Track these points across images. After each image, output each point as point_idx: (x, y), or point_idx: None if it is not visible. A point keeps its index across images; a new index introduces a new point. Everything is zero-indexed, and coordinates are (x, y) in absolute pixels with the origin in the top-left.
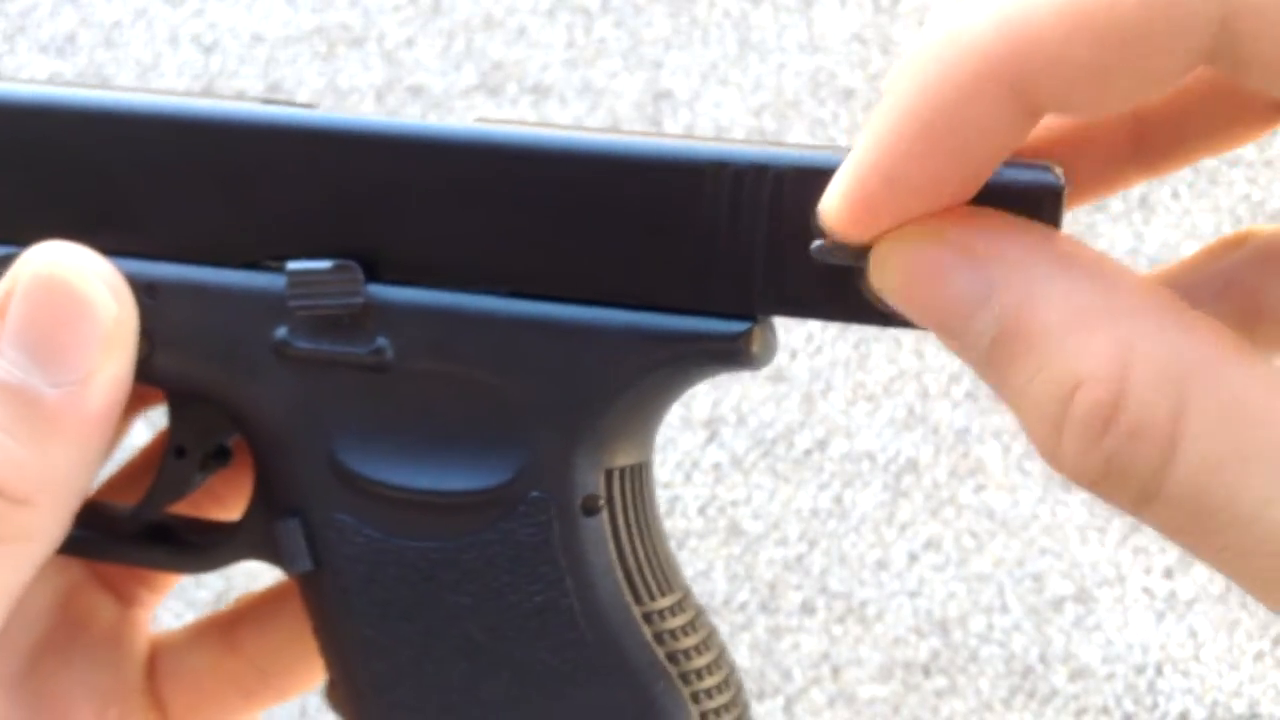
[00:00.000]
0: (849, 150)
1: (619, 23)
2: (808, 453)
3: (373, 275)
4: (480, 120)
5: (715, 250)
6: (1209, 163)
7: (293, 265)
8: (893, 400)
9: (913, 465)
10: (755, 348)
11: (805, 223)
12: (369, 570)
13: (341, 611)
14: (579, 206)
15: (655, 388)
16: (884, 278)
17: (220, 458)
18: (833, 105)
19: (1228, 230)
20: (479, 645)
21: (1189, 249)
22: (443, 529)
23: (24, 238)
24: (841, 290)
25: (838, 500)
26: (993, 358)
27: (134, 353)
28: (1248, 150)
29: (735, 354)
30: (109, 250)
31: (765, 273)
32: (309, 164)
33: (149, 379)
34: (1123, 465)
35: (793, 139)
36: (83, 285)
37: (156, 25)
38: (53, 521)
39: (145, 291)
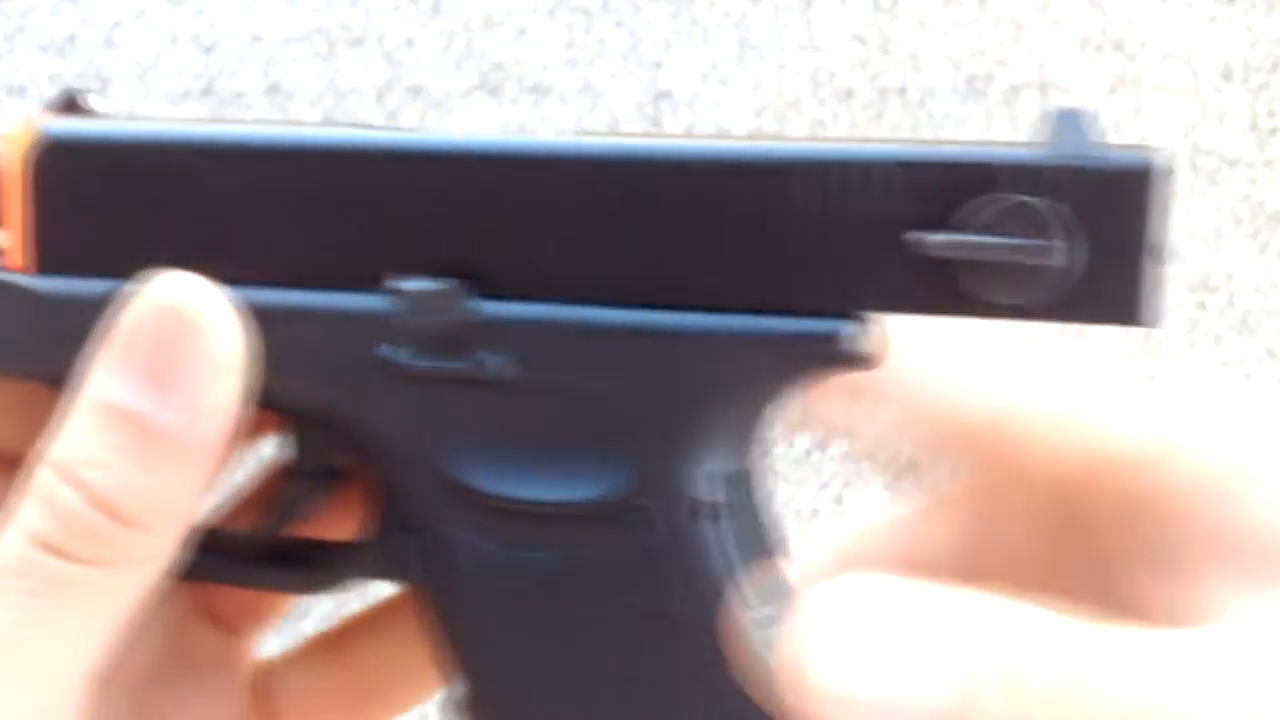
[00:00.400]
0: (940, 144)
1: (619, 23)
2: (808, 453)
3: (479, 291)
4: (582, 133)
5: (807, 249)
6: (1209, 162)
7: (403, 285)
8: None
9: (913, 465)
10: (860, 347)
11: (899, 217)
12: (490, 583)
13: (466, 626)
14: (670, 212)
15: (760, 392)
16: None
17: (335, 478)
18: (833, 105)
19: (1228, 230)
20: (597, 655)
21: (1189, 248)
22: (558, 540)
23: (133, 272)
24: (941, 284)
25: (838, 500)
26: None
27: (246, 381)
28: (1248, 150)
29: (838, 354)
30: (216, 278)
31: (860, 270)
32: (412, 184)
33: (262, 404)
34: None
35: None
36: (199, 313)
37: (156, 25)
38: (162, 546)
39: (257, 313)
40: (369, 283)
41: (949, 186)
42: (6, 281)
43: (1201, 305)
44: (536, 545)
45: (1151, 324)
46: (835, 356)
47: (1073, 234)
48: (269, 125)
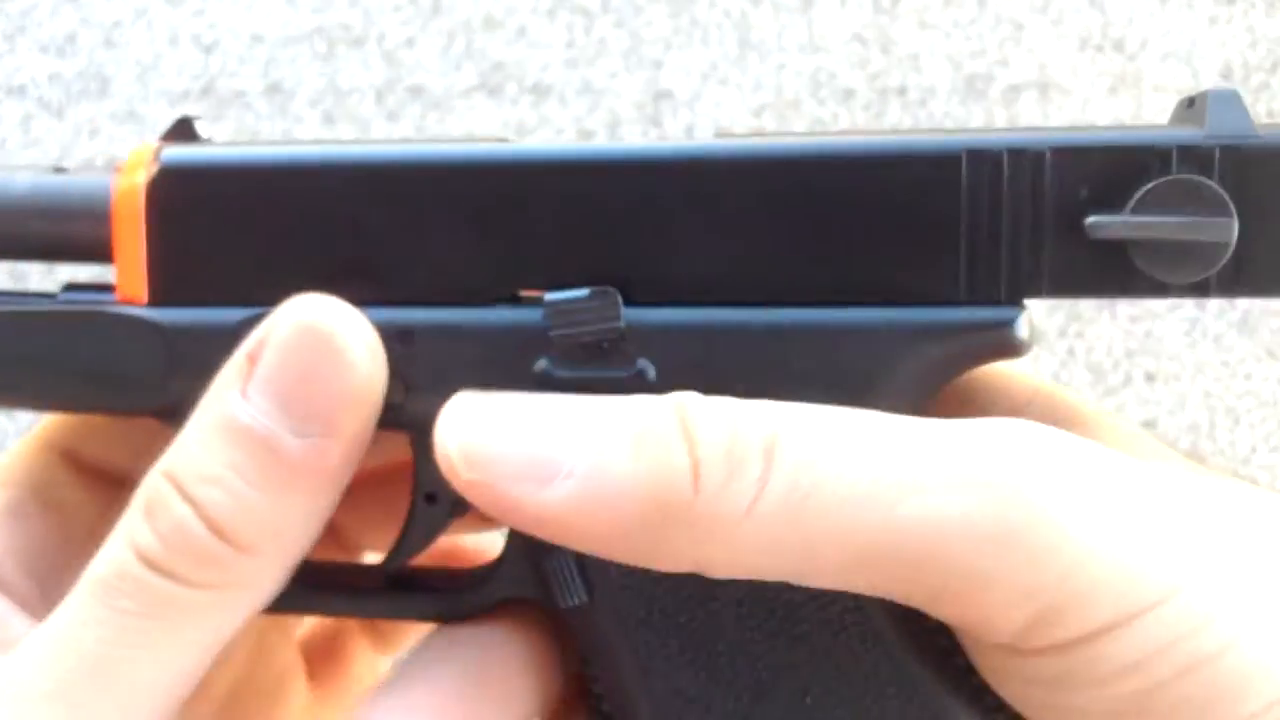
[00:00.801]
0: (1097, 129)
1: (619, 23)
2: None
3: (628, 298)
4: (721, 134)
5: (975, 239)
6: None
7: (551, 296)
8: None
9: None
10: (1026, 334)
11: (1070, 202)
12: (644, 599)
13: (617, 643)
14: (829, 209)
15: (922, 385)
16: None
17: (458, 510)
18: (833, 105)
19: None
20: (756, 667)
21: None
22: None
23: (276, 297)
24: (1113, 265)
25: None
26: None
27: (378, 410)
28: None
29: (1007, 342)
30: (361, 301)
31: (1031, 256)
32: (555, 195)
33: (399, 425)
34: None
35: None
36: (339, 338)
37: (156, 25)
38: (273, 572)
39: (399, 339)
40: (516, 297)
41: (1123, 170)
42: (127, 316)
43: (1201, 305)
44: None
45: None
46: (1006, 345)
47: (1240, 210)
48: (385, 143)
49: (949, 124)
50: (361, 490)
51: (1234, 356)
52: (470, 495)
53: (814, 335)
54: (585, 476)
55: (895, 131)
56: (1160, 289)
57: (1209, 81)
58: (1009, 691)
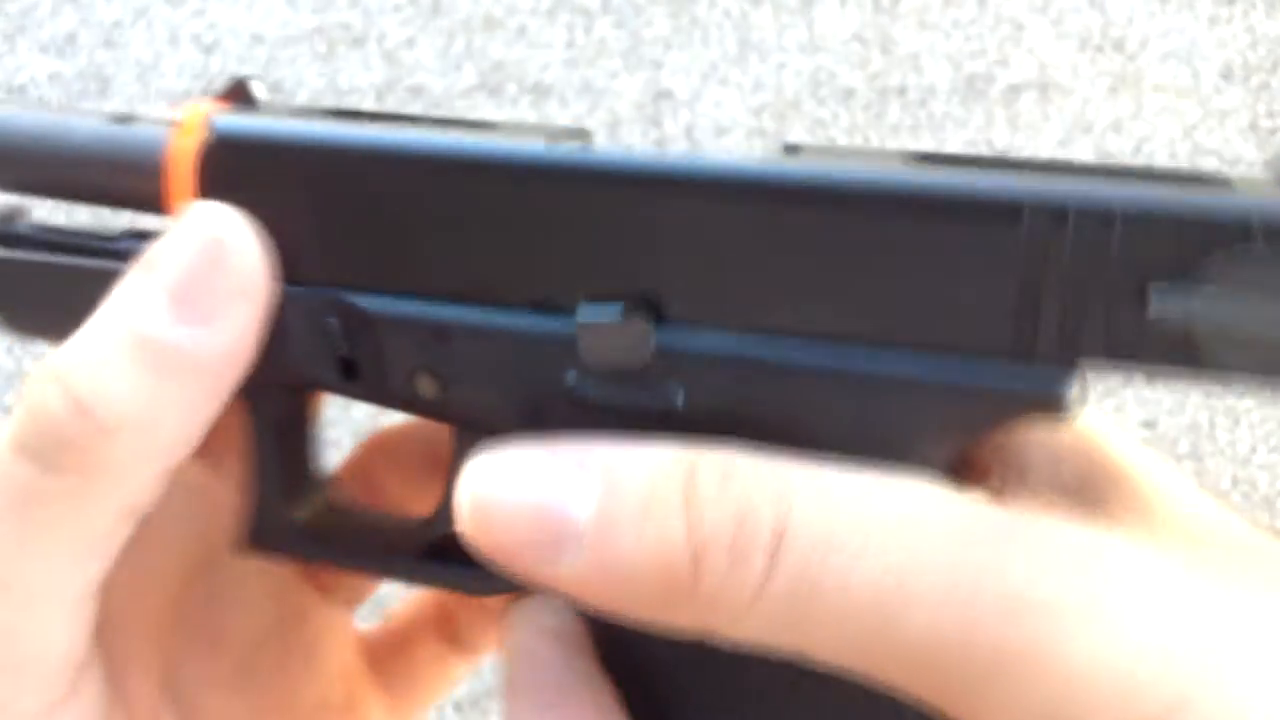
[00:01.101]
0: (1179, 182)
1: (619, 23)
2: None
3: (662, 316)
4: (788, 150)
5: (1034, 294)
6: (1209, 162)
7: (583, 317)
8: None
9: None
10: (1074, 399)
11: (1139, 267)
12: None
13: (644, 634)
14: (883, 247)
15: (961, 438)
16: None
17: None
18: (833, 105)
19: None
20: (787, 668)
21: None
22: None
23: (319, 275)
24: (1177, 339)
25: None
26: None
27: (260, 310)
28: (1248, 150)
29: (1055, 404)
30: (399, 290)
31: (1094, 319)
32: (599, 205)
33: (438, 416)
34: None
35: (793, 139)
36: (223, 236)
37: (156, 25)
38: (137, 463)
39: (435, 336)
40: (560, 306)
41: (1198, 239)
42: None
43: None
44: None
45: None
46: (1057, 407)
47: None
48: (448, 128)
49: (949, 124)
50: (405, 451)
51: None
52: (484, 557)
53: (851, 379)
54: (594, 549)
55: (977, 164)
56: (1224, 372)
57: (1209, 82)
58: None
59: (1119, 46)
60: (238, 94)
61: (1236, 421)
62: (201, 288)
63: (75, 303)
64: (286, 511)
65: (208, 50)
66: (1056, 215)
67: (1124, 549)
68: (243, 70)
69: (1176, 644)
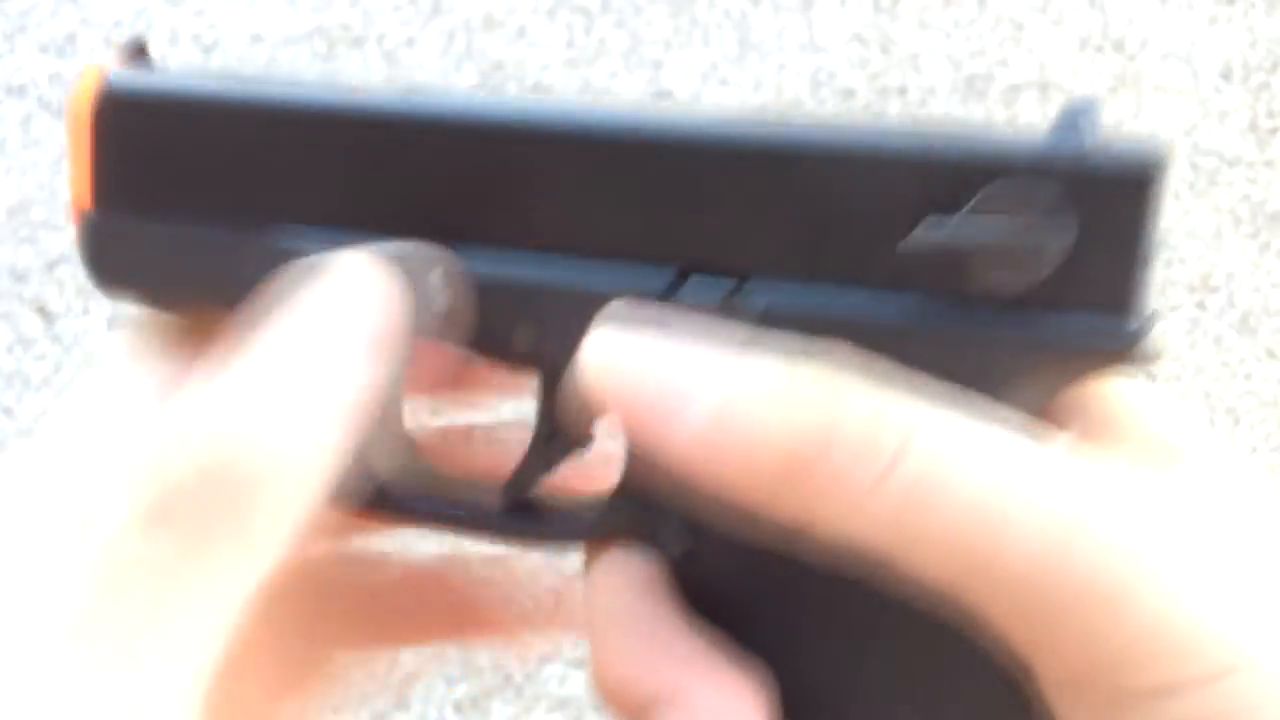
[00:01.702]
0: (949, 131)
1: (619, 23)
2: None
3: (755, 275)
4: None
5: (827, 230)
6: (1209, 162)
7: (686, 296)
8: None
9: None
10: (1155, 349)
11: (914, 203)
12: (745, 555)
13: (716, 594)
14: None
15: (1047, 392)
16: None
17: (584, 442)
18: (833, 105)
19: (1228, 230)
20: (859, 627)
21: (1189, 250)
22: None
23: (415, 232)
24: (948, 267)
25: None
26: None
27: (397, 351)
28: (1248, 150)
29: (1137, 356)
30: (495, 243)
31: (878, 251)
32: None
33: (528, 365)
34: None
35: None
36: (360, 285)
37: (156, 25)
38: (282, 522)
39: (533, 285)
40: (656, 260)
41: (962, 174)
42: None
43: (1201, 305)
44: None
45: (1141, 317)
46: (1132, 358)
47: (1077, 223)
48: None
49: (945, 120)
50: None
51: (1234, 356)
52: (607, 419)
53: (939, 332)
54: (716, 418)
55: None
56: (990, 295)
57: (1209, 81)
58: None
59: (1119, 46)
60: (136, 52)
61: (1237, 421)
62: (358, 334)
63: (206, 271)
64: (371, 468)
65: (208, 50)
66: (842, 159)
67: (1199, 503)
68: (243, 70)
69: (1241, 607)
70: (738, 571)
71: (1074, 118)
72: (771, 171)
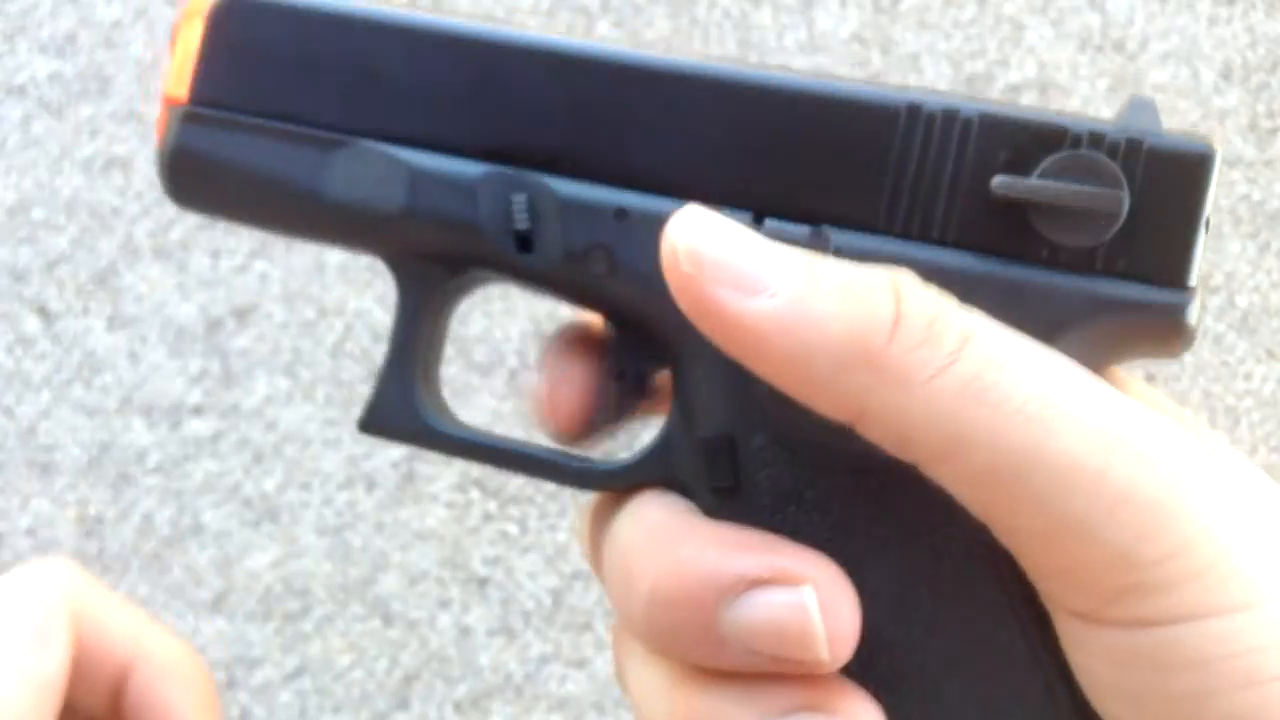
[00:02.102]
0: (1024, 108)
1: (619, 23)
2: None
3: (818, 227)
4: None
5: (904, 185)
6: None
7: (763, 230)
8: None
9: None
10: (1195, 326)
11: (987, 164)
12: (787, 492)
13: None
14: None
15: (1093, 359)
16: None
17: (641, 391)
18: None
19: (1228, 230)
20: (896, 579)
21: None
22: (861, 459)
23: (502, 157)
24: (1016, 225)
25: None
26: None
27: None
28: (1248, 150)
29: (1181, 329)
30: (583, 172)
31: (949, 209)
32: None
33: (599, 300)
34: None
35: None
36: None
37: (156, 25)
38: None
39: (615, 214)
40: (737, 203)
41: (1031, 142)
42: (378, 151)
43: (1201, 305)
44: (842, 463)
45: (1189, 291)
46: (1176, 329)
47: (1134, 196)
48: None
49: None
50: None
51: (1234, 356)
52: (682, 292)
53: (998, 284)
54: (791, 299)
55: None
56: (1054, 253)
57: (1209, 81)
58: (1076, 662)
59: (1119, 46)
60: None
61: (1237, 421)
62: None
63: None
64: (414, 397)
65: None
66: (924, 119)
67: (1229, 462)
68: None
69: (1264, 549)
70: (779, 506)
71: (1138, 108)
72: (854, 126)
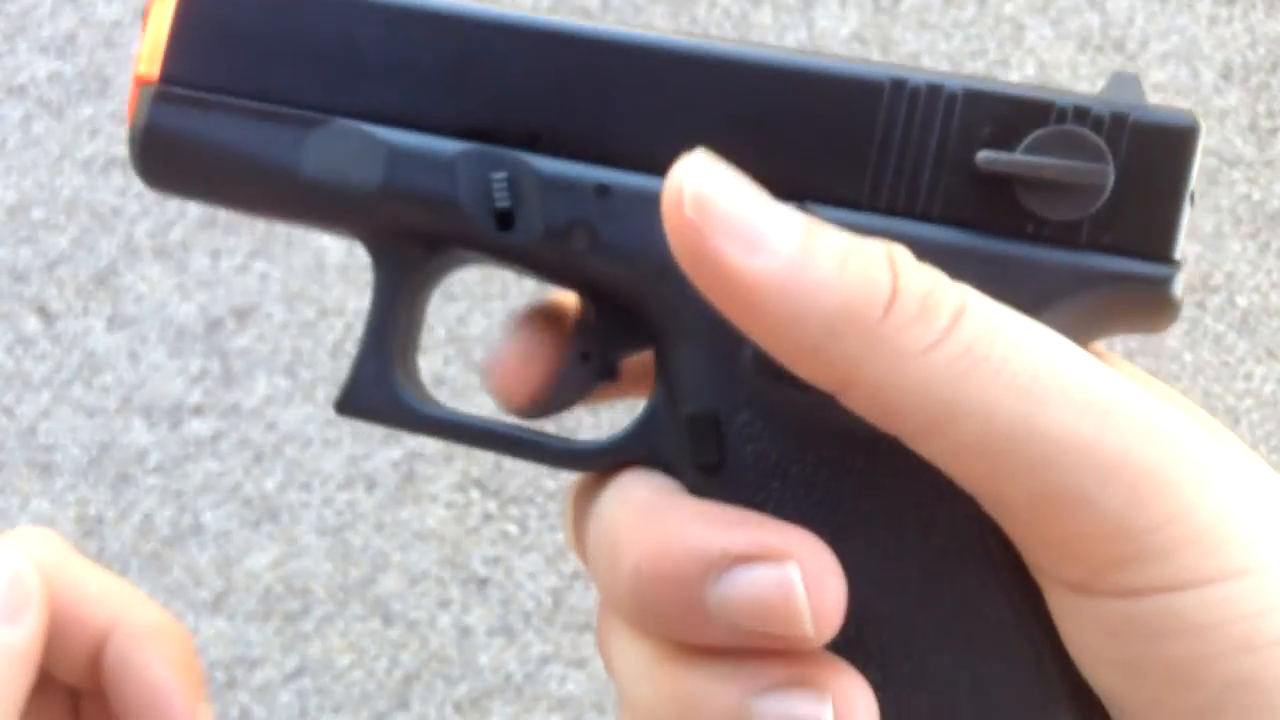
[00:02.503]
0: (1009, 84)
1: (619, 23)
2: None
3: (804, 201)
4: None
5: (890, 161)
6: (1209, 162)
7: None
8: None
9: None
10: (1180, 298)
11: (974, 139)
12: (772, 468)
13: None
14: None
15: (1078, 330)
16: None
17: (606, 375)
18: None
19: (1228, 230)
20: (883, 553)
21: (1189, 250)
22: (846, 436)
23: (482, 135)
24: (1003, 199)
25: None
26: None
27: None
28: (1248, 150)
29: (1166, 300)
30: (564, 150)
31: (935, 184)
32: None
33: (580, 278)
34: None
35: None
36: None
37: None
38: None
39: (596, 191)
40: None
41: (1016, 117)
42: (355, 128)
43: (1201, 305)
44: (828, 439)
45: (1173, 264)
46: (1161, 301)
47: (1119, 169)
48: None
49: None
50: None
51: (1234, 356)
52: (682, 237)
53: (980, 257)
54: (791, 260)
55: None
56: (1040, 227)
57: (1209, 81)
58: (1068, 634)
59: (1119, 46)
60: None
61: (1237, 421)
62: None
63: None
64: (392, 378)
65: None
66: (910, 92)
67: (1218, 435)
68: None
69: (1259, 516)
70: (763, 483)
71: (1121, 83)
72: (838, 102)
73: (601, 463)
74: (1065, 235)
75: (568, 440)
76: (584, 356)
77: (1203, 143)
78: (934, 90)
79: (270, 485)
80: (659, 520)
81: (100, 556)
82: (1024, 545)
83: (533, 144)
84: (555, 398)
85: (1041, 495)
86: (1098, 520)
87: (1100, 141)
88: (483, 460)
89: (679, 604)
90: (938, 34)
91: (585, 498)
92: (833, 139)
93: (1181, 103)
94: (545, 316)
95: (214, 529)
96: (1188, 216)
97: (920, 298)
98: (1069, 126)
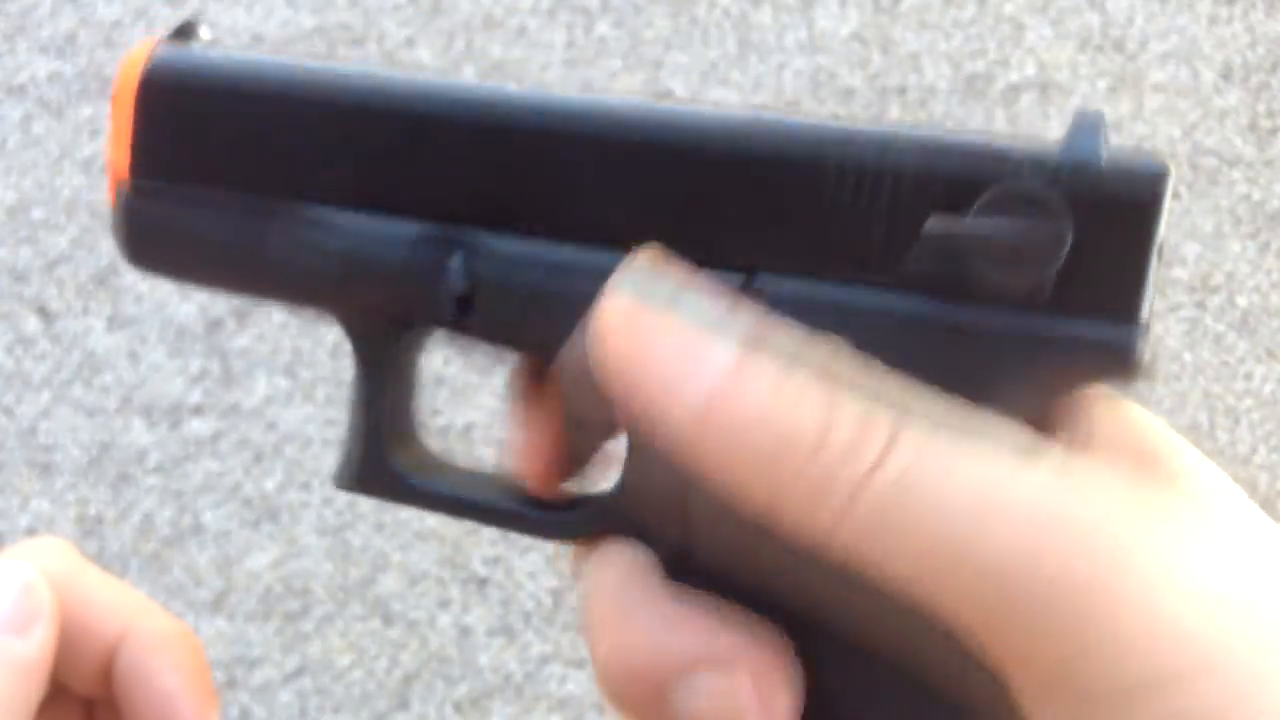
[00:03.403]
0: (960, 132)
1: (619, 23)
2: None
3: (752, 275)
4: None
5: (836, 226)
6: (1209, 162)
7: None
8: None
9: None
10: (1147, 359)
11: (921, 202)
12: (745, 551)
13: (712, 586)
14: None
15: (1038, 399)
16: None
17: (608, 434)
18: (833, 105)
19: (1228, 230)
20: (857, 625)
21: (1189, 250)
22: None
23: (433, 216)
24: (953, 266)
25: None
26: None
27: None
28: (1247, 150)
29: (1130, 363)
30: (517, 228)
31: (884, 249)
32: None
33: (546, 353)
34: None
35: None
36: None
37: (156, 25)
38: None
39: (549, 269)
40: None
41: (969, 173)
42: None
43: (1201, 305)
44: None
45: (1140, 327)
46: (1125, 365)
47: (1080, 229)
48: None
49: (949, 124)
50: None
51: (1234, 356)
52: (602, 372)
53: (941, 327)
54: (715, 396)
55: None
56: (996, 296)
57: (1209, 81)
58: None
59: (1119, 46)
60: (183, 32)
61: (1237, 421)
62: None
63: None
64: (386, 454)
65: None
66: (859, 152)
67: (1179, 510)
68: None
69: (1215, 609)
70: (733, 566)
71: (1082, 128)
72: (780, 170)
73: (576, 535)
74: (1024, 299)
75: (548, 513)
76: (579, 425)
77: (1170, 191)
78: (882, 150)
79: (270, 485)
80: (623, 617)
81: (100, 557)
82: (983, 650)
83: (486, 223)
84: (572, 457)
85: (988, 615)
86: (1044, 635)
87: (1058, 197)
88: (482, 460)
89: (646, 705)
90: (938, 34)
91: (580, 555)
92: (780, 206)
93: (1182, 103)
94: (532, 382)
95: (214, 529)
96: (1155, 272)
97: (853, 425)
98: (1023, 184)
